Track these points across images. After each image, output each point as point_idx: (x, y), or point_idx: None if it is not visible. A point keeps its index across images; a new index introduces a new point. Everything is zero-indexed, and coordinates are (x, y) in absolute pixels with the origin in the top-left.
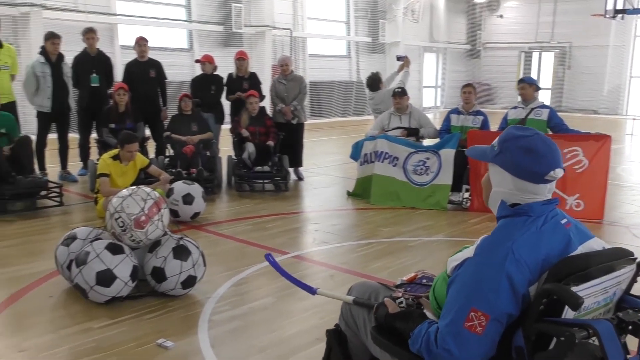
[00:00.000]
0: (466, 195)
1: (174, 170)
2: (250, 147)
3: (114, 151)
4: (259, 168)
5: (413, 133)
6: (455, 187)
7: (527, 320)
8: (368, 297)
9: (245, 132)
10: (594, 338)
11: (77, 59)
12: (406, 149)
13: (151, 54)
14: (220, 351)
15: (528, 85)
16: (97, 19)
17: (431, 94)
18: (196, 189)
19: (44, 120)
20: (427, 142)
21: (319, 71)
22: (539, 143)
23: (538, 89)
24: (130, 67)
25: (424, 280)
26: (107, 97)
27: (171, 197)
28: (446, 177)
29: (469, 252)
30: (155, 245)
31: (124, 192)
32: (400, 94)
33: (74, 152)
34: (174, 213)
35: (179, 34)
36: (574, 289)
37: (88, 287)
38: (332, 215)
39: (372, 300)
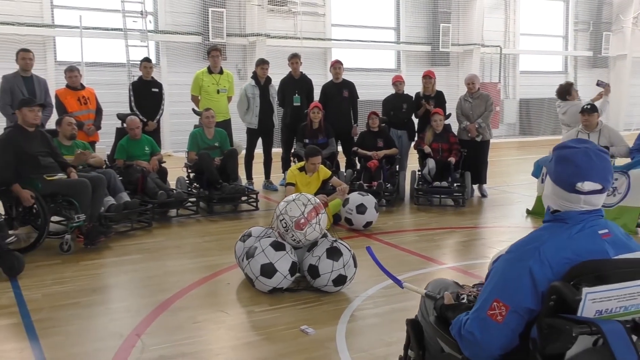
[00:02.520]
0: None
1: (357, 182)
2: (430, 163)
3: (301, 163)
4: (437, 183)
5: None
6: None
7: (540, 314)
8: (438, 292)
9: (427, 149)
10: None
11: (283, 82)
12: None
13: (359, 75)
14: (352, 341)
15: None
16: (313, 44)
17: None
18: (369, 200)
19: (252, 136)
20: (618, 161)
21: (530, 88)
22: (580, 155)
23: None
24: (326, 88)
25: None
26: (306, 115)
27: (346, 207)
28: (635, 199)
29: (505, 249)
30: (313, 245)
31: (290, 197)
32: (590, 110)
33: (277, 165)
34: (347, 221)
35: (388, 55)
36: (586, 290)
37: (254, 277)
38: (503, 231)
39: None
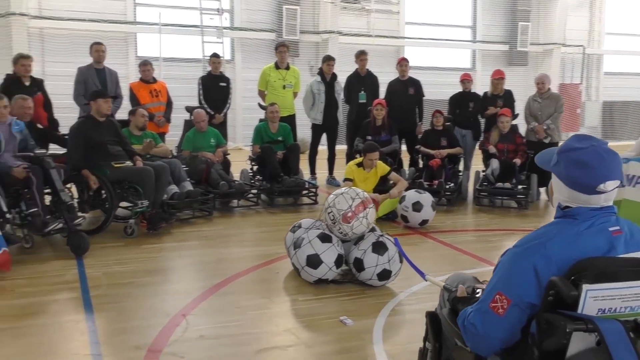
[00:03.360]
0: None
1: (417, 181)
2: (494, 163)
3: (359, 159)
4: (500, 184)
5: None
6: None
7: (540, 310)
8: (456, 285)
9: (492, 149)
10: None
11: (349, 79)
12: None
13: (431, 74)
14: (388, 334)
15: None
16: (386, 42)
17: None
18: (426, 198)
19: (316, 132)
20: None
21: (615, 90)
22: (592, 155)
23: None
24: (392, 86)
25: None
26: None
27: (402, 204)
28: None
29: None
30: (359, 239)
31: (339, 190)
32: None
33: (342, 161)
34: (403, 218)
35: (463, 54)
36: (586, 287)
37: (300, 267)
38: None
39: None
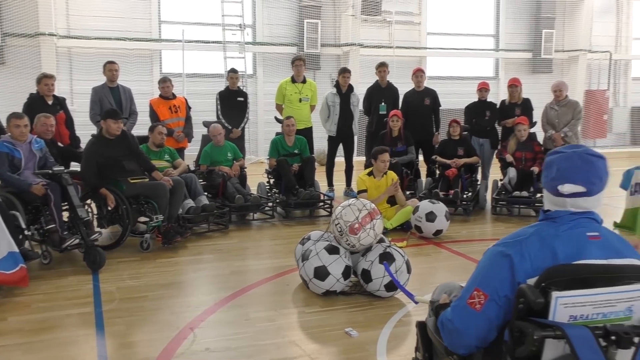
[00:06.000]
0: None
1: (434, 191)
2: (511, 172)
3: (369, 169)
4: (517, 193)
5: None
6: None
7: (512, 318)
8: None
9: (509, 157)
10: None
11: (369, 90)
12: None
13: (453, 83)
14: (393, 345)
15: None
16: (407, 53)
17: None
18: (440, 208)
19: (332, 144)
20: None
21: None
22: (563, 159)
23: None
24: (408, 97)
25: None
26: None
27: (416, 214)
28: None
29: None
30: (367, 250)
31: (346, 202)
32: None
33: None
34: (417, 229)
35: (486, 63)
36: (556, 294)
37: (308, 279)
38: None
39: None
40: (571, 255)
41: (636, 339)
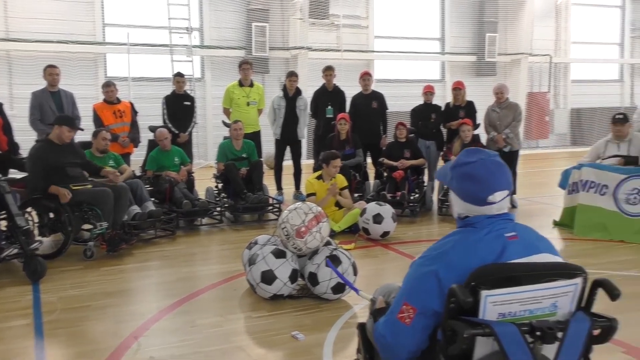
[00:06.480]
0: None
1: (381, 193)
2: None
3: (318, 172)
4: None
5: (631, 162)
6: None
7: (444, 317)
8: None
9: (454, 159)
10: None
11: (316, 94)
12: (618, 175)
13: (400, 86)
14: (339, 347)
15: None
16: (355, 56)
17: None
18: (387, 210)
19: (279, 147)
20: None
21: (582, 97)
22: (479, 169)
23: None
24: (355, 100)
25: None
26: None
27: (363, 217)
28: None
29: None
30: (314, 253)
31: (292, 205)
32: (622, 120)
33: (308, 176)
34: (365, 230)
35: (433, 65)
36: (485, 293)
37: (255, 284)
38: None
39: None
40: (496, 258)
41: (559, 334)
